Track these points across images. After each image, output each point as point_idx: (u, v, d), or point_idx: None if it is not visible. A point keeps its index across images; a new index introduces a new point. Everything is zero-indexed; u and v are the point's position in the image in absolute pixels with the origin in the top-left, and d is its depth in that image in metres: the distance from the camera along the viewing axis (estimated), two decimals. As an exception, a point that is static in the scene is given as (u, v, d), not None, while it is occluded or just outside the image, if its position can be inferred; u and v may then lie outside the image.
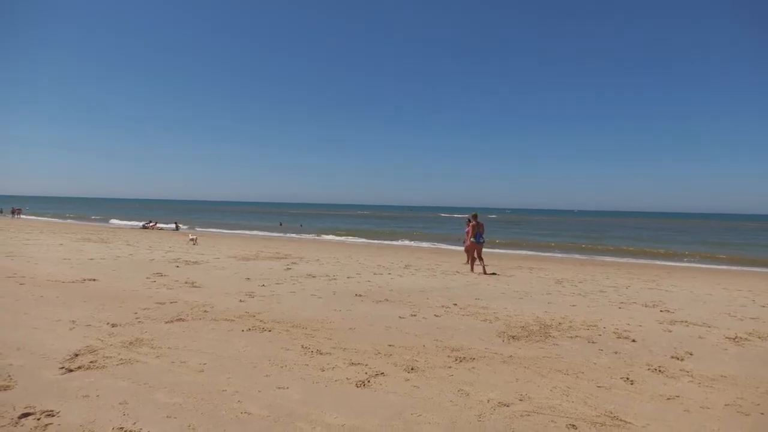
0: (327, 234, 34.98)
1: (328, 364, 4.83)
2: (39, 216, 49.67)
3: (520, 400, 4.08)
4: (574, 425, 3.61)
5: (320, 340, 5.71)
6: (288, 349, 5.26)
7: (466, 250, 14.44)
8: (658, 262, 21.18)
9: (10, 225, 30.31)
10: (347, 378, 4.44)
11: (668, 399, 4.24)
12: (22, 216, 46.32)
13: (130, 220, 47.56)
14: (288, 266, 13.07)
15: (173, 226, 35.52)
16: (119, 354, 4.85)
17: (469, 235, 14.06)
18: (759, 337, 6.66)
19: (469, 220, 14.14)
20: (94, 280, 9.45)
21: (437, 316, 7.35)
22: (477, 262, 13.87)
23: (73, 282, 9.09)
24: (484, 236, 13.98)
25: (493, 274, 13.23)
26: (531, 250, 25.38)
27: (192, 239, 21.33)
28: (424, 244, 28.11)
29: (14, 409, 3.50)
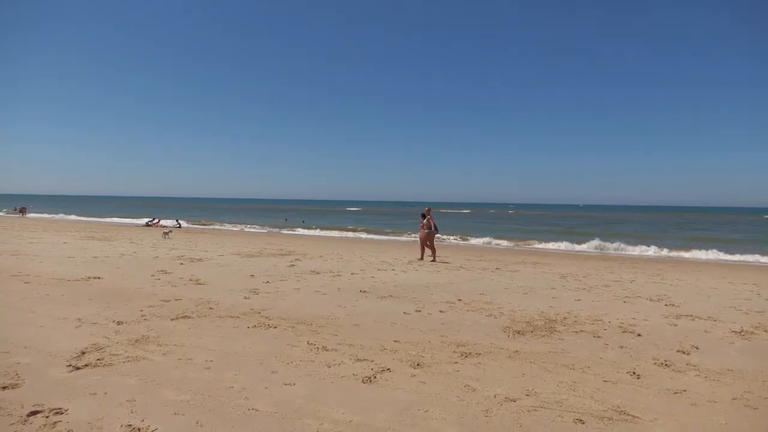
0: (330, 230, 35.02)
1: (333, 360, 4.84)
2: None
3: (527, 395, 4.08)
4: (581, 420, 3.61)
5: (325, 336, 5.72)
6: (294, 346, 5.27)
7: (422, 241, 15.75)
8: (662, 255, 21.14)
9: (14, 224, 30.41)
10: (353, 374, 4.45)
11: (675, 393, 4.24)
12: (28, 215, 46.42)
13: (90, 216, 47.53)
14: (292, 263, 13.09)
15: (176, 223, 35.60)
16: (126, 351, 4.86)
17: (424, 228, 15.37)
18: (765, 331, 6.64)
19: (423, 215, 15.31)
20: (98, 278, 9.48)
21: (442, 311, 7.35)
22: (429, 253, 15.55)
23: (78, 280, 9.11)
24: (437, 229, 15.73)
25: (497, 269, 13.23)
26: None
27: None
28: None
29: (23, 407, 3.51)
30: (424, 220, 15.29)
